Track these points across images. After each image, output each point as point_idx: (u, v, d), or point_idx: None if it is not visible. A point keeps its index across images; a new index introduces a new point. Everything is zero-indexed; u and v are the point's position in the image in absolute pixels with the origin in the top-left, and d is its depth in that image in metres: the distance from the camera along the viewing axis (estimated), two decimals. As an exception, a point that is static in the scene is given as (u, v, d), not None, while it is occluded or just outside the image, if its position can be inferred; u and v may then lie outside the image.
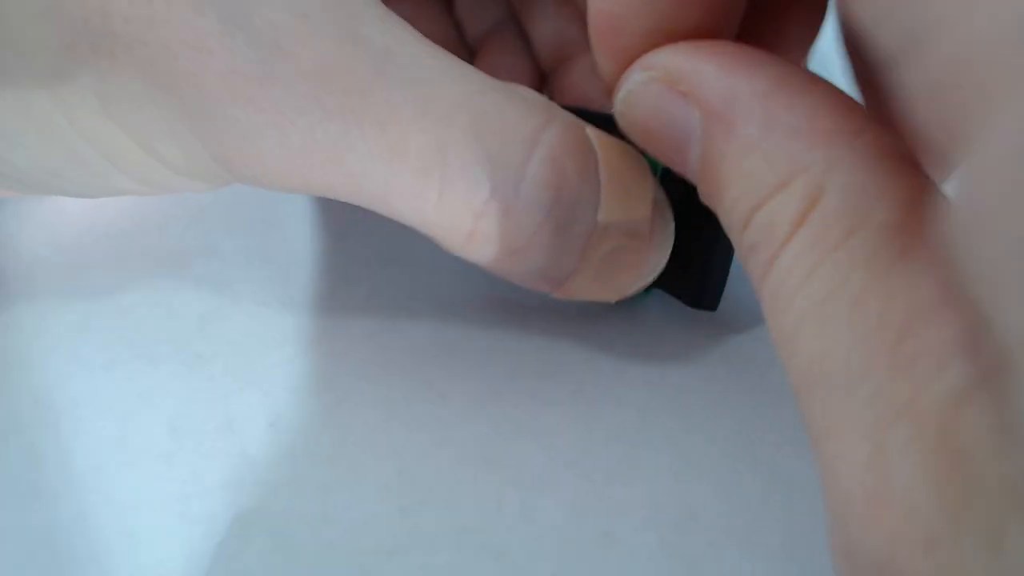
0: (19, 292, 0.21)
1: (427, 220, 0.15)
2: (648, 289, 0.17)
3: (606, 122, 0.19)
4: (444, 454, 0.18)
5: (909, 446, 0.08)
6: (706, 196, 0.13)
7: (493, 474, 0.17)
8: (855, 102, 0.11)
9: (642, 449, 0.18)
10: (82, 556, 0.16)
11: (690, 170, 0.13)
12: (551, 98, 0.21)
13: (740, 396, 0.18)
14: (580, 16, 0.20)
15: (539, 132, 0.14)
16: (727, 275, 0.18)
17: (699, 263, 0.17)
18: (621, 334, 0.19)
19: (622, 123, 0.14)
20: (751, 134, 0.11)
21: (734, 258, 0.17)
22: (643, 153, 0.15)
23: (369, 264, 0.21)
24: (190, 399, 0.19)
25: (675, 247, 0.16)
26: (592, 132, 0.15)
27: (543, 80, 0.21)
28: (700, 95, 0.12)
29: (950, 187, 0.08)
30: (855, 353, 0.09)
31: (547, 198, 0.15)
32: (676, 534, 0.16)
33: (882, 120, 0.11)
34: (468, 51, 0.22)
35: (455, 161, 0.14)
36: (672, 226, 0.16)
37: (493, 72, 0.21)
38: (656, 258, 0.16)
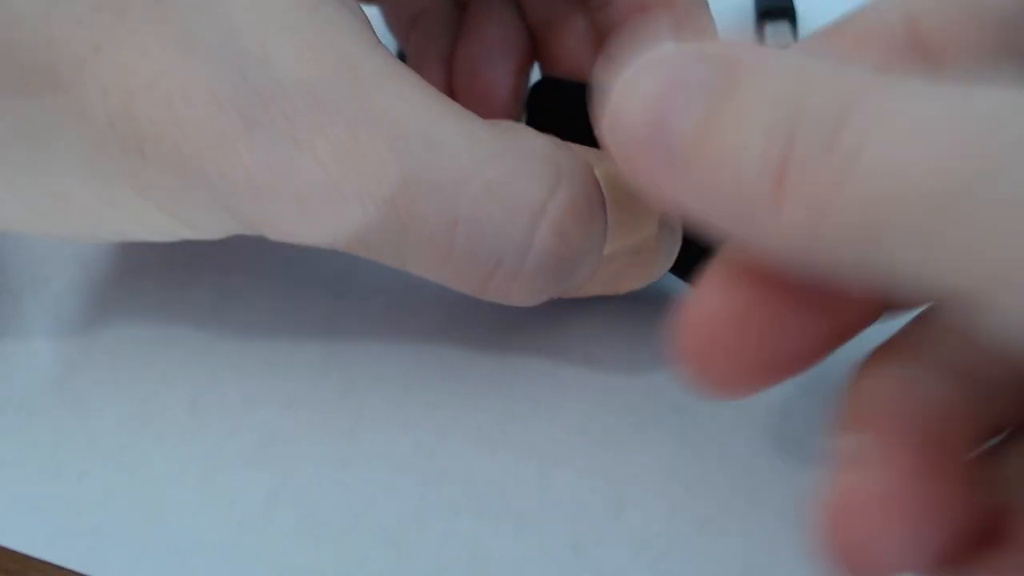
0: (34, 280, 0.21)
1: (441, 280, 0.16)
2: None
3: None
4: (460, 428, 0.18)
5: None
6: None
7: (509, 446, 0.18)
8: None
9: (651, 419, 0.18)
10: (110, 531, 0.17)
11: None
12: (541, 64, 0.22)
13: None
14: None
15: (546, 200, 0.15)
16: None
17: (707, 248, 0.18)
18: (630, 309, 0.20)
19: None
20: None
21: None
22: None
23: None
24: (208, 380, 0.19)
25: (684, 234, 0.17)
26: (600, 172, 0.16)
27: (534, 42, 0.22)
28: None
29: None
30: None
31: (552, 263, 0.15)
32: (687, 497, 0.17)
33: None
34: (460, 7, 0.22)
35: (464, 236, 0.15)
36: (679, 232, 0.17)
37: (482, 37, 0.21)
38: (662, 263, 0.17)
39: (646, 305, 0.20)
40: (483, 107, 0.21)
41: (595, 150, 0.17)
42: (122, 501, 0.17)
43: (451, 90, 0.22)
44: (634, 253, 0.16)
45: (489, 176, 0.14)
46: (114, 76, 0.13)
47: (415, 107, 0.14)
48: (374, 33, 0.15)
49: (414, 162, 0.14)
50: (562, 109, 0.21)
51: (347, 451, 0.18)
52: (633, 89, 0.10)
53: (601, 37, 0.20)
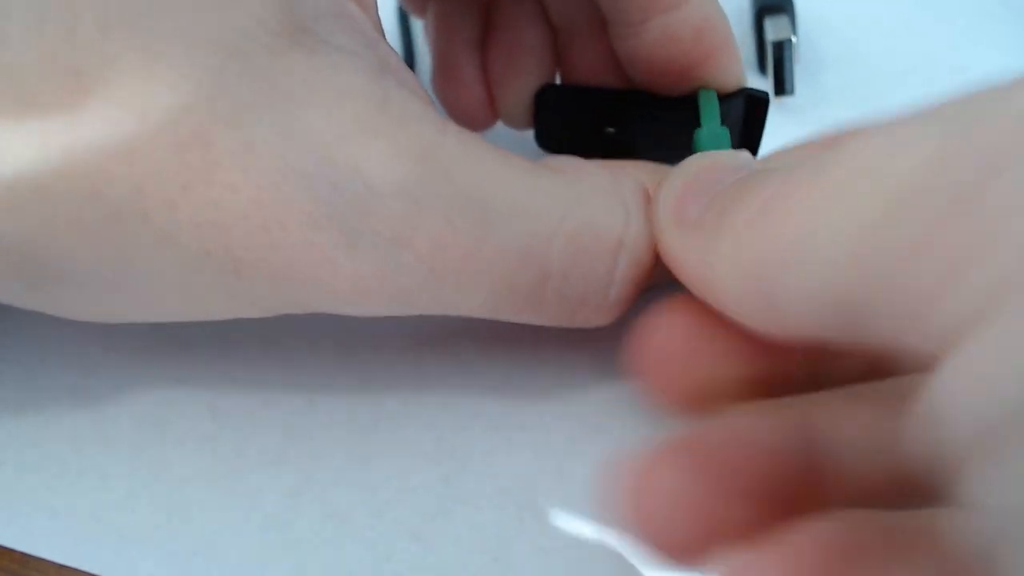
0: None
1: (527, 322, 0.16)
2: None
3: (651, 98, 0.20)
4: (478, 423, 0.18)
5: None
6: None
7: (527, 440, 0.18)
8: None
9: (667, 414, 0.19)
10: (134, 533, 0.17)
11: None
12: (561, 60, 0.22)
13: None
14: None
15: (621, 235, 0.16)
16: None
17: None
18: (641, 301, 0.20)
19: None
20: None
21: None
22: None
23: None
24: (227, 381, 0.19)
25: None
26: (653, 188, 0.16)
27: (555, 37, 0.22)
28: None
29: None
30: None
31: (632, 291, 0.16)
32: (704, 487, 0.17)
33: None
34: None
35: (554, 287, 0.15)
36: None
37: (518, 42, 0.21)
38: None
39: (657, 297, 0.20)
40: (516, 111, 0.22)
41: (642, 163, 0.18)
42: (144, 504, 0.17)
43: (486, 82, 0.22)
44: None
45: (570, 228, 0.15)
46: (206, 212, 0.13)
47: (494, 179, 0.15)
48: (436, 108, 0.15)
49: (504, 234, 0.15)
50: (568, 114, 0.22)
51: (367, 448, 0.18)
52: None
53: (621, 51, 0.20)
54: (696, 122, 0.19)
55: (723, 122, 0.19)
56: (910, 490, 0.14)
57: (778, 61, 0.24)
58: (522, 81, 0.22)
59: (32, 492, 0.18)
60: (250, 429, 0.18)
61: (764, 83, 0.26)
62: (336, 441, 0.18)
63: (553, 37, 0.22)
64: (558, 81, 0.22)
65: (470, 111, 0.23)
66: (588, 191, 0.16)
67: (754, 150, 0.20)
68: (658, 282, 0.18)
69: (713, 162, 0.15)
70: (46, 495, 0.18)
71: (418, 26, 0.30)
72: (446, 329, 0.20)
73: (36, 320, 0.20)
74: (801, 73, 0.27)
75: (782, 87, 0.24)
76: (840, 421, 0.14)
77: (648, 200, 0.16)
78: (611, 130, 0.21)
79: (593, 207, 0.15)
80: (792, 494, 0.13)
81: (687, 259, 0.14)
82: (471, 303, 0.15)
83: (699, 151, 0.18)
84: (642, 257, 0.16)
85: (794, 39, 0.24)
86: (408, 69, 0.16)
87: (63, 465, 0.18)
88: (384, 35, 0.16)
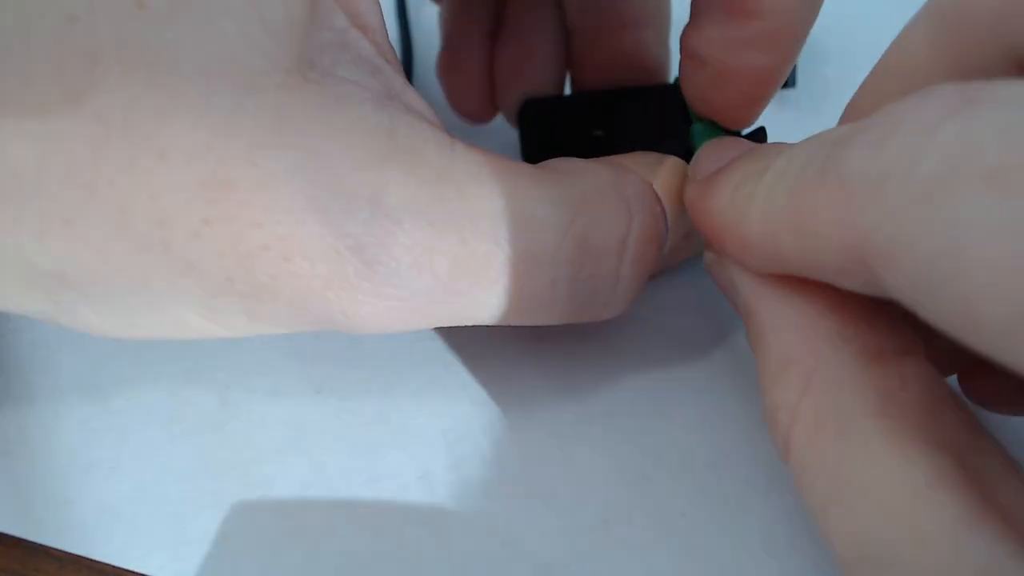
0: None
1: (534, 323, 0.17)
2: None
3: (633, 94, 0.20)
4: (485, 413, 0.19)
5: None
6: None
7: (533, 428, 0.18)
8: (857, 309, 0.13)
9: (670, 399, 0.19)
10: (147, 524, 0.17)
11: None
12: (574, 60, 0.22)
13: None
14: None
15: (625, 236, 0.16)
16: None
17: None
18: (646, 294, 0.20)
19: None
20: (762, 322, 0.14)
21: None
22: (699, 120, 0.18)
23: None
24: (236, 372, 0.19)
25: None
26: (658, 184, 0.17)
27: (568, 36, 0.22)
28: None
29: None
30: (878, 538, 0.11)
31: (637, 286, 0.17)
32: (710, 474, 0.18)
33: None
34: None
35: (563, 289, 0.16)
36: None
37: (531, 48, 0.22)
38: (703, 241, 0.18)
39: (661, 290, 0.21)
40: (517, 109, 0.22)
41: (641, 155, 0.18)
42: (155, 495, 0.17)
43: (491, 77, 0.22)
44: (683, 239, 0.18)
45: (577, 232, 0.15)
46: (228, 244, 0.13)
47: (503, 193, 0.15)
48: (441, 124, 0.15)
49: (515, 245, 0.15)
50: (555, 124, 0.22)
51: (376, 438, 0.18)
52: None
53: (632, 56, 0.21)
54: (682, 109, 0.19)
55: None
56: None
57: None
58: (528, 83, 0.22)
59: (43, 484, 0.18)
60: (260, 419, 0.19)
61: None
62: (346, 431, 0.18)
63: (564, 42, 0.22)
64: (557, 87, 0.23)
65: (472, 103, 0.23)
66: (592, 192, 0.16)
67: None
68: (664, 268, 0.18)
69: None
70: (57, 486, 0.18)
71: (416, 21, 0.30)
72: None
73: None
74: (803, 66, 0.27)
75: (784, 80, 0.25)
76: None
77: (651, 196, 0.17)
78: (599, 132, 0.21)
79: (598, 208, 0.16)
80: None
81: (717, 210, 0.15)
82: (484, 313, 0.15)
83: (696, 143, 0.18)
84: (646, 253, 0.16)
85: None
86: (412, 89, 0.16)
87: (73, 457, 0.18)
88: (392, 51, 0.16)
